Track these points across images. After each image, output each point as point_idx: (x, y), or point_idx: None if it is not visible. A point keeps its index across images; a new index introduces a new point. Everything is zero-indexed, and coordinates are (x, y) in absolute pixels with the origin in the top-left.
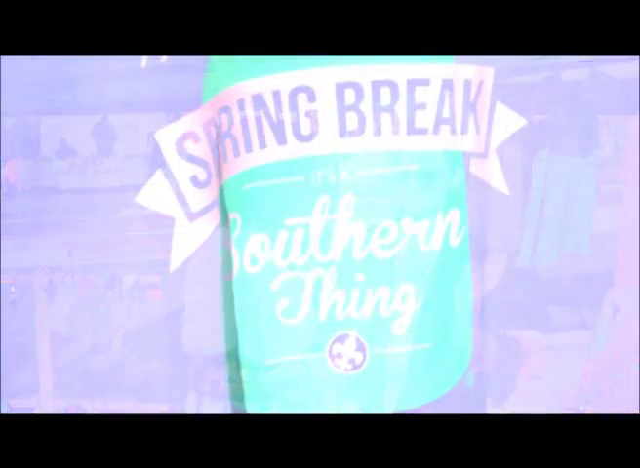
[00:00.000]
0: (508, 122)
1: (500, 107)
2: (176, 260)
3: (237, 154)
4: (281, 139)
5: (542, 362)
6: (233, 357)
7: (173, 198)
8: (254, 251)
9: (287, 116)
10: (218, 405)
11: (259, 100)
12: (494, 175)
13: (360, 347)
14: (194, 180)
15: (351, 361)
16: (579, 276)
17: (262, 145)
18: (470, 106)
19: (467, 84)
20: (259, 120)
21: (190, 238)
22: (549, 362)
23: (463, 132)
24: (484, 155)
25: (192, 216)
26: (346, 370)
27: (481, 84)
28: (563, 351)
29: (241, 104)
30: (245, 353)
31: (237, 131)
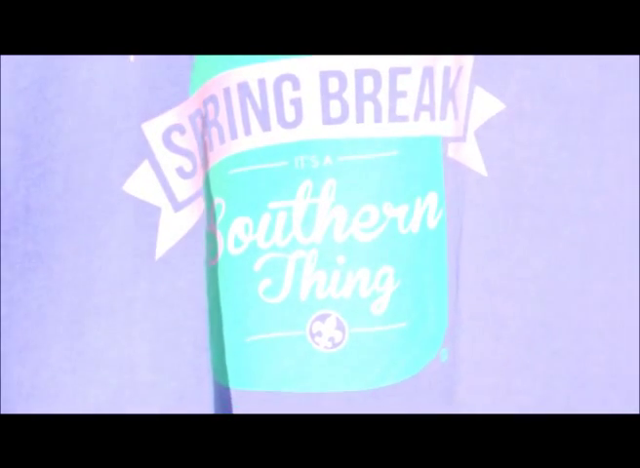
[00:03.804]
0: (487, 106)
1: (478, 91)
2: (161, 248)
3: (222, 141)
4: (265, 126)
5: (519, 338)
6: (215, 337)
7: (159, 188)
8: (237, 233)
9: (272, 104)
10: (201, 389)
11: (244, 89)
12: (472, 157)
13: (340, 326)
14: (180, 171)
15: (331, 339)
16: (554, 257)
17: (247, 132)
18: (449, 92)
19: (447, 70)
20: (244, 107)
21: (176, 227)
22: (529, 336)
23: (442, 117)
24: (462, 138)
25: (178, 206)
26: (326, 347)
27: (460, 69)
28: (538, 327)
29: (227, 93)
30: (228, 331)
31: (223, 119)
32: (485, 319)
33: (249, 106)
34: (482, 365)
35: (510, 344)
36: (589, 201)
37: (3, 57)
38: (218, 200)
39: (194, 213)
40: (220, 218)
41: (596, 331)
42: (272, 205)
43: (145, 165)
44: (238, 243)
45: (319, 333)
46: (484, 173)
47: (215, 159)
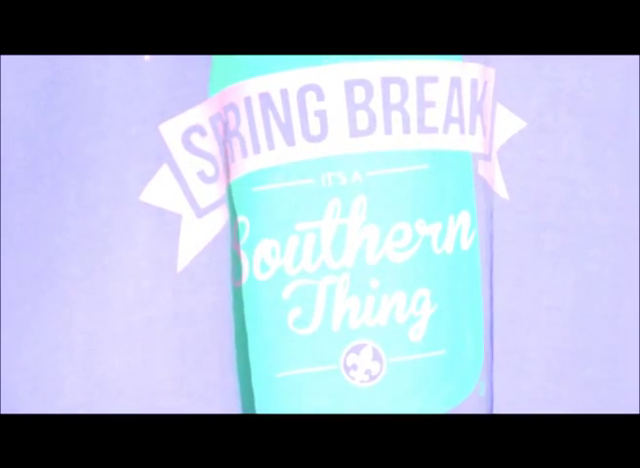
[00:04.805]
0: (508, 124)
1: (500, 109)
2: (183, 259)
3: (245, 154)
4: (289, 140)
5: (551, 367)
6: (243, 367)
7: (180, 193)
8: (264, 257)
9: (295, 116)
10: (228, 412)
11: (266, 99)
12: (495, 178)
13: (377, 357)
14: (202, 175)
15: (367, 372)
16: (582, 280)
17: (271, 146)
18: (477, 106)
19: (474, 83)
20: (266, 120)
21: (199, 235)
22: (557, 368)
23: (472, 132)
24: (488, 157)
25: (200, 212)
26: (362, 381)
27: (486, 84)
28: (570, 356)
29: (248, 103)
30: (256, 365)
31: (245, 130)
32: (512, 350)
33: (271, 119)
34: (512, 398)
35: (540, 375)
36: (618, 219)
37: (10, 62)
38: (241, 218)
39: (218, 220)
40: (244, 238)
41: (630, 358)
42: (299, 226)
43: (164, 169)
44: (265, 267)
45: (354, 367)
46: (505, 195)
47: (237, 172)
